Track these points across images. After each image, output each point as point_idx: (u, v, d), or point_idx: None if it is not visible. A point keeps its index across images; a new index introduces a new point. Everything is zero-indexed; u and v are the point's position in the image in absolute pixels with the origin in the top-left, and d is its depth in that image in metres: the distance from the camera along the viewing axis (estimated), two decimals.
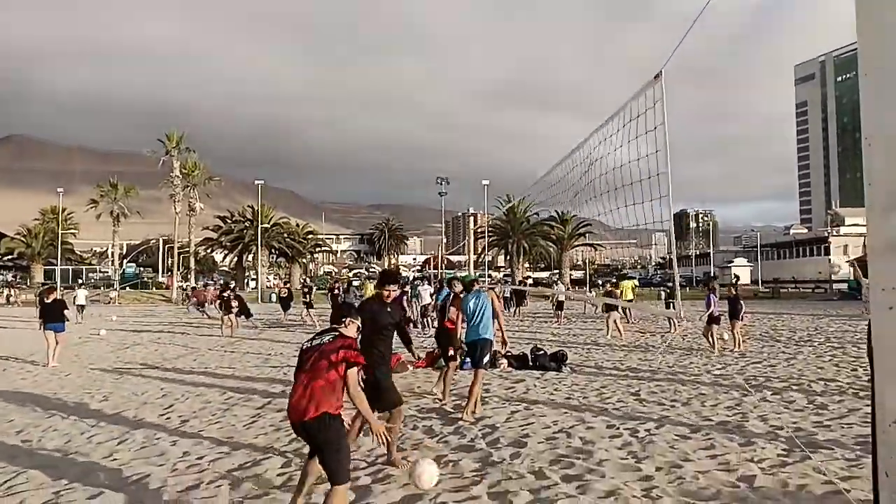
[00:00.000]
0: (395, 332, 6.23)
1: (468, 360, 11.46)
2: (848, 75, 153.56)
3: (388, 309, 6.07)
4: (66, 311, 14.44)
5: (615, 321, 17.50)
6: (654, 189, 4.19)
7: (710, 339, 14.56)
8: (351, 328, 4.48)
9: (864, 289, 21.28)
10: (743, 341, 14.73)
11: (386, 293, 6.02)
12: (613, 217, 5.69)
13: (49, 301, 14.19)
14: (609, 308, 17.88)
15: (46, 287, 11.05)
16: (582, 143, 6.37)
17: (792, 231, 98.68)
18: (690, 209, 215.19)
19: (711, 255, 67.41)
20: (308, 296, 25.15)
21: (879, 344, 1.51)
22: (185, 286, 30.97)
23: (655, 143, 3.88)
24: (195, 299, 33.84)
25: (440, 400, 8.91)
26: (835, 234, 72.92)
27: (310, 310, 24.26)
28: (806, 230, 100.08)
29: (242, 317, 21.79)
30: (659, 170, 3.77)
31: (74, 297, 30.12)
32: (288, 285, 33.31)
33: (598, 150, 5.85)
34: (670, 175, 3.70)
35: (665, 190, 3.75)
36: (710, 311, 14.58)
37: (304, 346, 4.35)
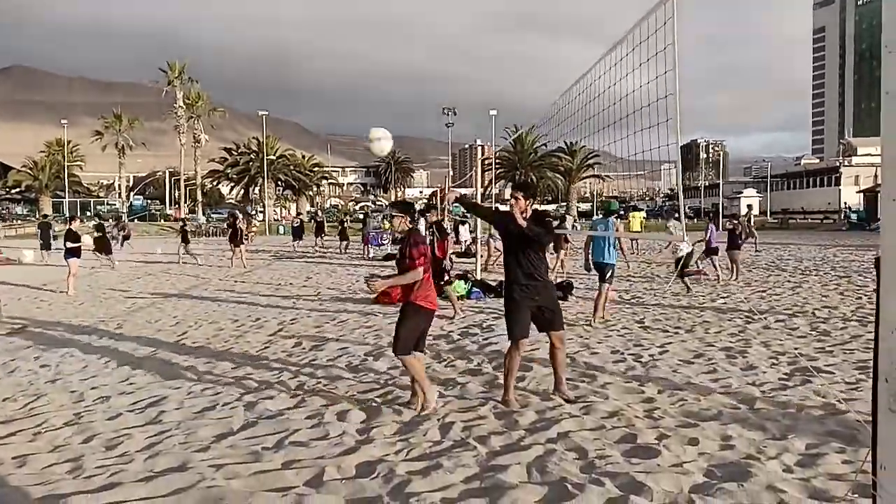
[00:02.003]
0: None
1: (476, 290, 11.66)
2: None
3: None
4: (69, 243, 14.55)
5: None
6: (663, 115, 4.12)
7: (716, 269, 14.66)
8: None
9: None
10: (740, 272, 14.91)
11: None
12: (621, 146, 5.61)
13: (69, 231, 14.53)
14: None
15: (46, 218, 11.14)
16: (590, 69, 6.22)
17: (803, 161, 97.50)
18: (701, 139, 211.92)
19: (721, 185, 66.90)
20: (321, 226, 26.87)
21: (886, 255, 1.52)
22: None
23: (665, 64, 3.79)
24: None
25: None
26: (846, 164, 72.00)
27: (320, 238, 25.91)
28: (817, 160, 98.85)
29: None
30: (668, 91, 3.69)
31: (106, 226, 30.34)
32: (301, 216, 33.75)
33: (606, 77, 5.71)
34: (678, 97, 3.63)
35: (673, 113, 3.68)
36: (706, 240, 14.62)
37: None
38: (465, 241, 24.01)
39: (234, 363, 7.31)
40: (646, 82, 4.17)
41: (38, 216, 61.85)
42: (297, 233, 29.21)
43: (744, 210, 58.09)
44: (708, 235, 14.65)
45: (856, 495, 3.58)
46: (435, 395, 5.40)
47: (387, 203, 77.77)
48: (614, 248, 9.46)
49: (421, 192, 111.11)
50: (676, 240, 11.61)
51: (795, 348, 7.46)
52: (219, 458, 4.39)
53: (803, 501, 3.55)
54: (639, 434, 4.65)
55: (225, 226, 43.53)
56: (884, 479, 1.67)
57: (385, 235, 29.65)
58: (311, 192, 72.74)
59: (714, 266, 14.50)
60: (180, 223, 29.52)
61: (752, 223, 25.45)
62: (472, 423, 4.96)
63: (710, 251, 14.49)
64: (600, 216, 9.56)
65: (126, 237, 30.05)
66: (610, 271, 9.26)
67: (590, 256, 9.52)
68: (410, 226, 5.54)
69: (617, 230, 9.44)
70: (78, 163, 72.14)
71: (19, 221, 56.09)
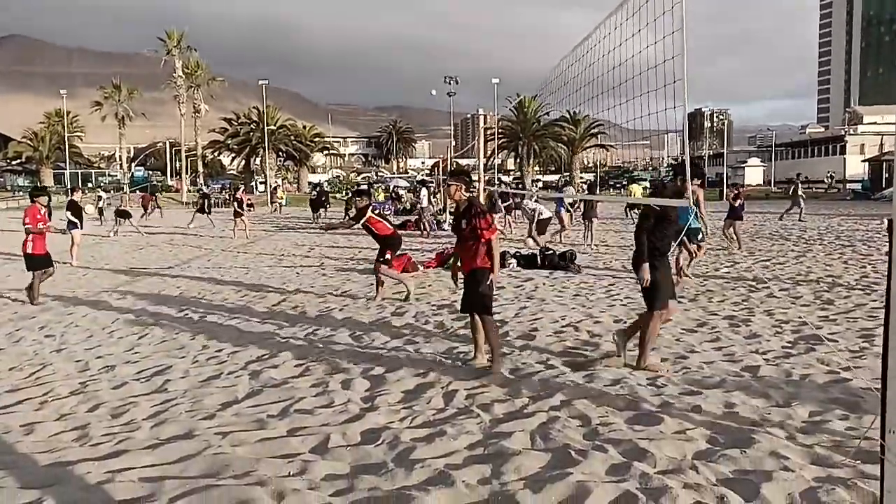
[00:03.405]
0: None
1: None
2: None
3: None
4: (69, 214, 14.51)
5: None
6: (667, 79, 4.04)
7: (728, 236, 14.68)
8: None
9: None
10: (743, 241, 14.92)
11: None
12: (625, 111, 5.52)
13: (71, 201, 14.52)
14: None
15: (41, 189, 11.07)
16: (593, 30, 6.10)
17: (808, 130, 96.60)
18: (705, 108, 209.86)
19: (725, 154, 66.27)
20: (325, 198, 26.26)
21: None
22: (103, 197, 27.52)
23: (672, 24, 3.71)
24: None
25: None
26: (852, 132, 71.29)
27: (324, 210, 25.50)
28: (822, 129, 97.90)
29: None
30: (675, 53, 3.62)
31: (98, 199, 30.11)
32: (319, 188, 33.31)
33: (609, 40, 5.60)
34: (686, 58, 3.55)
35: (680, 74, 3.61)
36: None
37: None
38: (425, 207, 23.86)
39: (239, 332, 7.33)
40: (652, 43, 4.09)
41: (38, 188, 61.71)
42: (316, 205, 28.26)
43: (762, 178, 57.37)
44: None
45: (858, 461, 3.59)
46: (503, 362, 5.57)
47: (389, 174, 77.31)
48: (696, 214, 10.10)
49: (423, 162, 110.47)
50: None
51: (800, 316, 7.46)
52: (224, 426, 4.42)
53: (806, 468, 3.56)
54: (642, 402, 4.66)
55: (226, 196, 43.49)
56: (892, 443, 1.66)
57: (387, 207, 29.47)
58: (312, 163, 72.29)
59: (735, 234, 14.50)
60: (199, 192, 29.62)
61: (799, 192, 24.75)
62: (476, 392, 4.98)
63: (734, 216, 14.44)
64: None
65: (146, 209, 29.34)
66: (696, 234, 10.01)
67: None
68: (468, 194, 5.54)
69: (698, 197, 9.91)
70: (78, 133, 71.71)
71: (20, 193, 55.89)
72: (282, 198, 39.06)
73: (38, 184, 52.13)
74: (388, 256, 9.12)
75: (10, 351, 6.81)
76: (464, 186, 5.58)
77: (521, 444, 3.97)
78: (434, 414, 4.56)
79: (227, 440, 4.15)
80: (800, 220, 23.38)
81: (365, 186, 27.45)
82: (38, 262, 9.52)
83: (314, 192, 29.82)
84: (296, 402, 4.86)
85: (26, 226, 9.53)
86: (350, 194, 19.81)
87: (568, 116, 59.69)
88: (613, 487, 3.34)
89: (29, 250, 9.50)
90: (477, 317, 5.58)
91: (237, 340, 6.95)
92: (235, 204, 21.69)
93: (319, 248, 17.10)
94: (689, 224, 9.73)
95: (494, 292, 5.76)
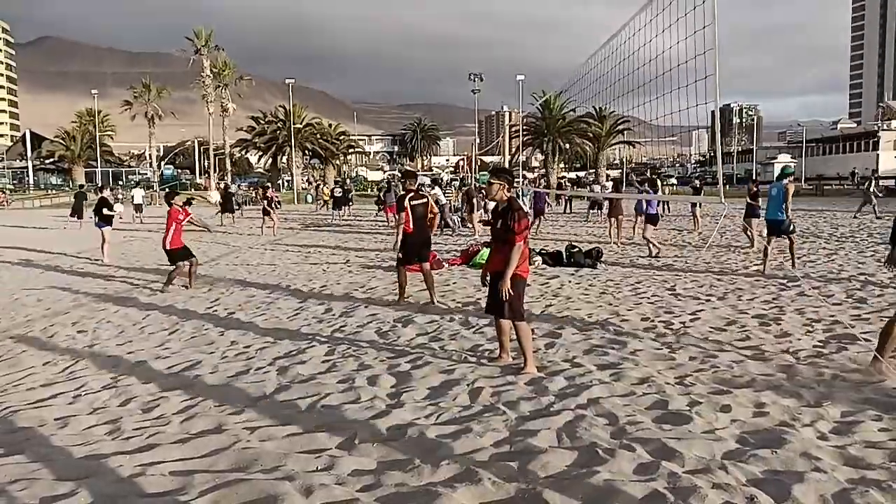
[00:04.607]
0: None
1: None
2: None
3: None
4: (105, 210, 14.76)
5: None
6: (698, 73, 4.00)
7: (749, 236, 14.40)
8: None
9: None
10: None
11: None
12: (653, 108, 5.47)
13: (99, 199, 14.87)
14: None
15: (82, 188, 11.66)
16: (621, 29, 6.05)
17: (840, 125, 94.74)
18: (734, 103, 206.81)
19: (754, 151, 65.25)
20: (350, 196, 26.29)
21: None
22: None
23: (704, 19, 3.66)
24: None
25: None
26: (885, 128, 69.72)
27: (347, 208, 25.40)
28: (854, 125, 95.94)
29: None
30: (706, 48, 3.57)
31: (132, 197, 30.63)
32: (344, 185, 33.42)
33: (637, 38, 5.55)
34: (717, 49, 3.50)
35: (711, 69, 3.56)
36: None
37: None
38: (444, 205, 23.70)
39: (266, 328, 7.41)
40: (683, 38, 4.04)
41: (71, 186, 63.07)
42: (339, 203, 28.48)
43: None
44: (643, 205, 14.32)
45: (893, 463, 3.52)
46: (535, 366, 5.43)
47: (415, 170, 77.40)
48: (781, 208, 10.79)
49: (447, 160, 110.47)
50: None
51: (831, 315, 7.32)
52: (253, 421, 4.47)
53: (839, 469, 3.50)
54: (670, 401, 4.61)
55: (253, 195, 43.91)
56: None
57: None
58: (337, 161, 72.66)
59: (752, 233, 14.20)
60: (223, 187, 30.03)
61: (872, 188, 23.92)
62: (502, 389, 4.97)
63: (650, 220, 13.94)
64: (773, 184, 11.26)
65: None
66: (785, 226, 10.75)
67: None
68: (510, 194, 5.45)
69: (787, 192, 10.73)
70: (109, 132, 73.03)
71: (53, 191, 57.08)
72: (327, 195, 39.20)
73: (72, 182, 53.25)
74: (400, 256, 8.68)
75: (44, 346, 6.96)
76: (507, 185, 5.50)
77: (548, 442, 3.95)
78: (460, 411, 4.56)
79: (256, 435, 4.20)
80: (876, 217, 22.30)
81: (411, 169, 27.35)
82: (177, 256, 10.47)
83: (338, 190, 29.91)
84: (323, 398, 4.90)
85: (181, 222, 10.64)
86: (400, 176, 19.54)
87: (594, 112, 59.15)
88: (641, 486, 3.31)
89: (167, 246, 10.43)
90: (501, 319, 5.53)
91: (265, 336, 7.02)
92: (265, 202, 21.94)
93: (345, 245, 17.20)
94: (778, 216, 10.76)
95: (524, 298, 5.58)
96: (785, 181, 10.93)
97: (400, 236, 8.64)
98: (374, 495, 3.35)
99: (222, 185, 34.90)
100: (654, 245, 13.33)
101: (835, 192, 53.91)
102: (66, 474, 3.67)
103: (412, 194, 8.60)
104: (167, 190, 18.95)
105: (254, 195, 43.52)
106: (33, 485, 3.54)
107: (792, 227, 10.88)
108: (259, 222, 22.25)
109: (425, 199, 8.71)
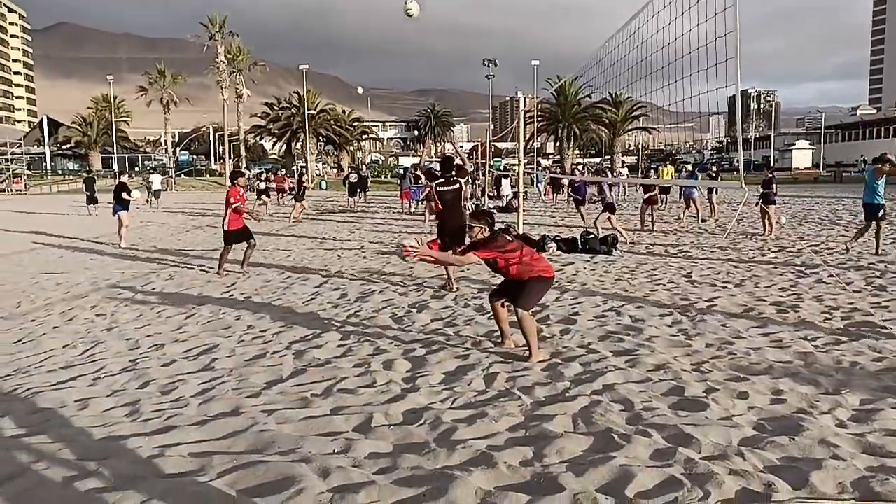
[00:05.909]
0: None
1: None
2: None
3: None
4: (124, 194, 14.88)
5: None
6: (715, 58, 3.94)
7: (766, 223, 14.27)
8: None
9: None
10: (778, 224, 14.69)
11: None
12: (670, 93, 5.41)
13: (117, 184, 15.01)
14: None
15: (239, 172, 11.66)
16: (638, 13, 5.97)
17: (859, 112, 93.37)
18: (752, 89, 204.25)
19: (772, 137, 64.45)
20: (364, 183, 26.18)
21: None
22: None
23: (725, 2, 3.60)
24: None
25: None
26: None
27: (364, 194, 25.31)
28: (874, 111, 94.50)
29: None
30: (727, 30, 3.51)
31: (150, 183, 30.80)
32: (359, 171, 33.44)
33: (655, 21, 5.48)
34: (738, 30, 3.45)
35: (731, 52, 3.51)
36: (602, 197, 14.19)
37: None
38: (507, 196, 24.10)
39: (282, 313, 7.45)
40: (702, 21, 3.98)
41: (88, 172, 63.68)
42: (354, 189, 28.34)
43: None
44: (605, 193, 14.13)
45: None
46: (540, 355, 5.41)
47: (428, 158, 77.26)
48: (877, 192, 11.05)
49: (461, 145, 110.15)
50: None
51: (850, 303, 7.25)
52: (270, 404, 4.51)
53: (857, 457, 3.48)
54: (686, 387, 4.60)
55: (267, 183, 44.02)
56: None
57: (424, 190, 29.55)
58: (351, 147, 72.67)
59: (769, 220, 14.08)
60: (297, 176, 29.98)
61: None
62: (517, 374, 4.98)
63: (607, 208, 13.71)
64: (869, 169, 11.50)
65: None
66: (881, 211, 10.98)
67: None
68: (488, 234, 5.46)
69: (879, 174, 10.88)
70: (125, 118, 73.45)
71: (70, 176, 57.58)
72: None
73: (89, 168, 53.73)
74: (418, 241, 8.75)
75: (64, 329, 7.04)
76: (487, 228, 5.45)
77: (563, 428, 3.95)
78: (475, 396, 4.57)
79: (273, 418, 4.24)
80: None
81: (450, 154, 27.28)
82: (233, 238, 10.49)
83: (354, 175, 29.89)
84: (339, 382, 4.93)
85: (234, 204, 10.36)
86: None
87: (609, 98, 58.63)
88: (658, 472, 3.31)
89: (225, 226, 10.46)
90: (497, 306, 5.63)
91: (281, 321, 7.06)
92: (296, 189, 21.97)
93: (360, 231, 17.24)
94: (875, 200, 10.99)
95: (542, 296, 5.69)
96: (875, 166, 11.13)
97: (431, 223, 8.71)
98: (390, 478, 3.37)
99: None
100: (620, 233, 13.06)
101: (854, 179, 53.20)
102: (86, 455, 3.73)
103: (442, 180, 8.62)
104: (231, 170, 18.82)
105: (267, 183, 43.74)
106: (55, 465, 3.60)
107: (882, 212, 11.02)
108: (285, 209, 22.27)
109: (457, 186, 8.69)
